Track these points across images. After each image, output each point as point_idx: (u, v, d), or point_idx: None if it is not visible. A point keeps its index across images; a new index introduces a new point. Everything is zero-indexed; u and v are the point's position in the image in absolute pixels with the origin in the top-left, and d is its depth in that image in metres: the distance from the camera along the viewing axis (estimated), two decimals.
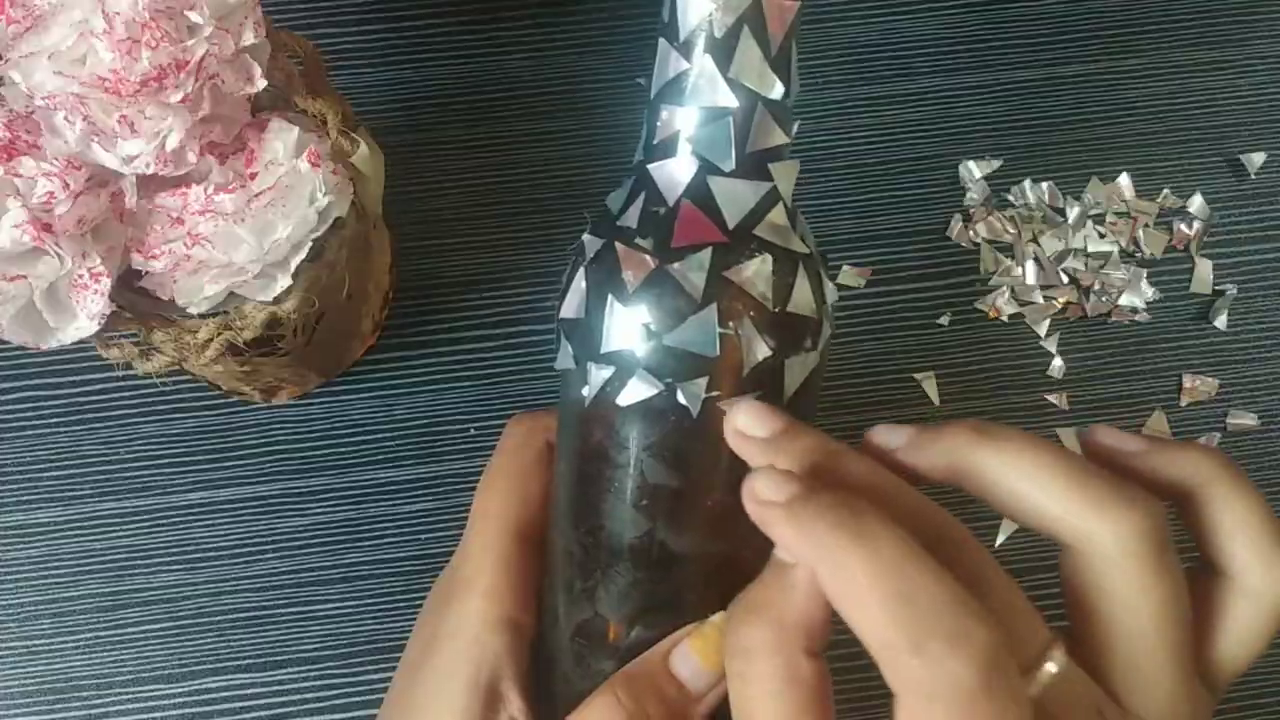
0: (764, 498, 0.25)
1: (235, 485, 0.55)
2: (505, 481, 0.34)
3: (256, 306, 0.42)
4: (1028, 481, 0.27)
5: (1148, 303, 0.59)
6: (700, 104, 0.30)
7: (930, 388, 0.57)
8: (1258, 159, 0.61)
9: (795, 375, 0.30)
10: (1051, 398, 0.57)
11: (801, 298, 0.30)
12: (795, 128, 0.32)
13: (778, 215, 0.30)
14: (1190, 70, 0.63)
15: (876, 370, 0.58)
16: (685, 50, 0.30)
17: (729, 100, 0.30)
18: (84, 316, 0.39)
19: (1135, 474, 0.29)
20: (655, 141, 0.31)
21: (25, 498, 0.54)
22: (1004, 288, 0.59)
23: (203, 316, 0.42)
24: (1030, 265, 0.59)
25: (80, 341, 0.40)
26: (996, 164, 0.60)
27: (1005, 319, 0.58)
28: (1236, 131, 0.62)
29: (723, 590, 0.29)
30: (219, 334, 0.42)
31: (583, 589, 0.31)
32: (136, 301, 0.42)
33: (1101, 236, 0.59)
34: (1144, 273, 0.59)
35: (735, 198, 0.30)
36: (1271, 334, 0.59)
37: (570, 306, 0.31)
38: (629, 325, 0.30)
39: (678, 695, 0.29)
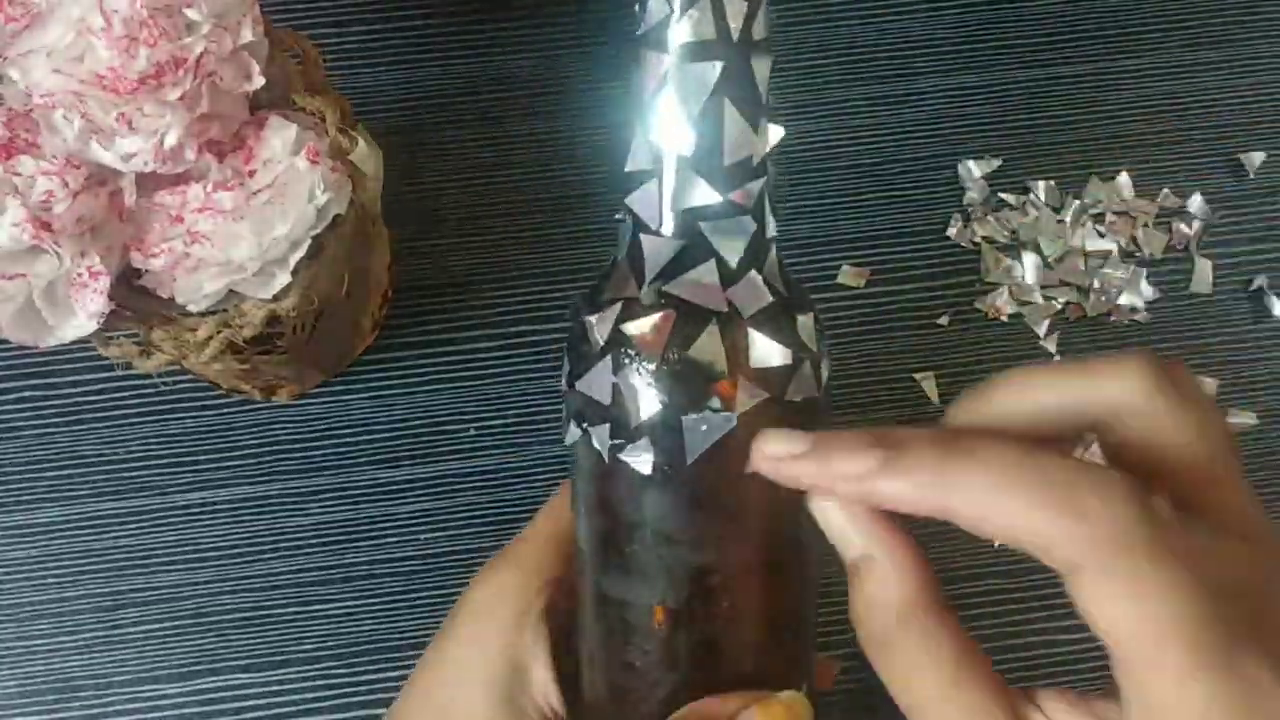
0: (852, 472, 0.25)
1: (235, 485, 0.55)
2: None
3: (256, 304, 0.42)
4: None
5: (1147, 302, 0.59)
6: (636, 165, 0.31)
7: (930, 388, 0.57)
8: (1257, 158, 0.61)
9: (698, 435, 0.29)
10: None
11: (705, 354, 0.29)
12: (749, 190, 0.30)
13: (705, 273, 0.30)
14: (1190, 70, 0.63)
15: (876, 370, 0.58)
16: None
17: (651, 161, 0.30)
18: (83, 315, 0.39)
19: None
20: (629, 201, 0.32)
21: (25, 498, 0.55)
22: (1004, 288, 0.59)
23: (202, 314, 0.42)
24: (1030, 265, 0.59)
25: (79, 340, 0.40)
26: (996, 164, 0.60)
27: (1005, 319, 0.58)
28: (1236, 131, 0.62)
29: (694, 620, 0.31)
30: (218, 332, 0.42)
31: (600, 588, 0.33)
32: (136, 300, 0.42)
33: (1101, 236, 0.59)
34: (1144, 272, 0.59)
35: (656, 255, 0.30)
36: (1271, 333, 0.59)
37: None
38: (566, 372, 0.32)
39: None
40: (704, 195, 0.30)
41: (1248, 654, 0.22)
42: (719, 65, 0.29)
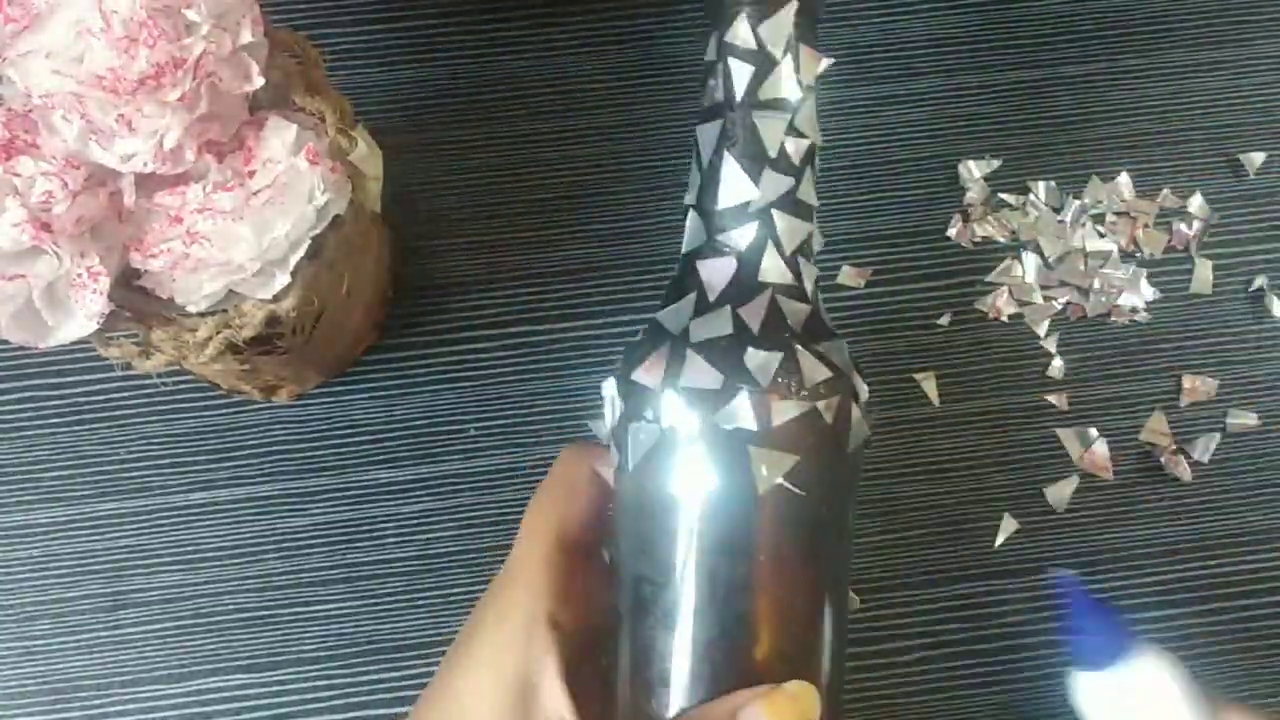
0: None
1: (235, 485, 0.55)
2: (551, 497, 0.37)
3: (255, 304, 0.42)
4: None
5: (1147, 303, 0.59)
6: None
7: (930, 388, 0.57)
8: (1257, 159, 0.61)
9: (636, 443, 0.32)
10: (1051, 398, 0.57)
11: (645, 373, 0.32)
12: (739, 232, 0.33)
13: (684, 305, 0.32)
14: (1190, 70, 0.62)
15: (876, 370, 0.58)
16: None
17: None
18: (83, 316, 0.39)
19: None
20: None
21: (25, 498, 0.55)
22: (1004, 288, 0.59)
23: (202, 315, 0.42)
24: (1030, 265, 0.59)
25: (79, 341, 0.40)
26: (996, 164, 0.60)
27: (1005, 319, 0.58)
28: (1236, 131, 0.62)
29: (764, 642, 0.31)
30: (218, 332, 0.42)
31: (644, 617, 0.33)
32: (135, 300, 0.42)
33: (1101, 236, 0.59)
34: (1144, 272, 0.59)
35: (672, 284, 0.34)
36: (1272, 334, 0.59)
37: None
38: None
39: None
40: (695, 236, 0.33)
41: None
42: (718, 123, 0.32)
